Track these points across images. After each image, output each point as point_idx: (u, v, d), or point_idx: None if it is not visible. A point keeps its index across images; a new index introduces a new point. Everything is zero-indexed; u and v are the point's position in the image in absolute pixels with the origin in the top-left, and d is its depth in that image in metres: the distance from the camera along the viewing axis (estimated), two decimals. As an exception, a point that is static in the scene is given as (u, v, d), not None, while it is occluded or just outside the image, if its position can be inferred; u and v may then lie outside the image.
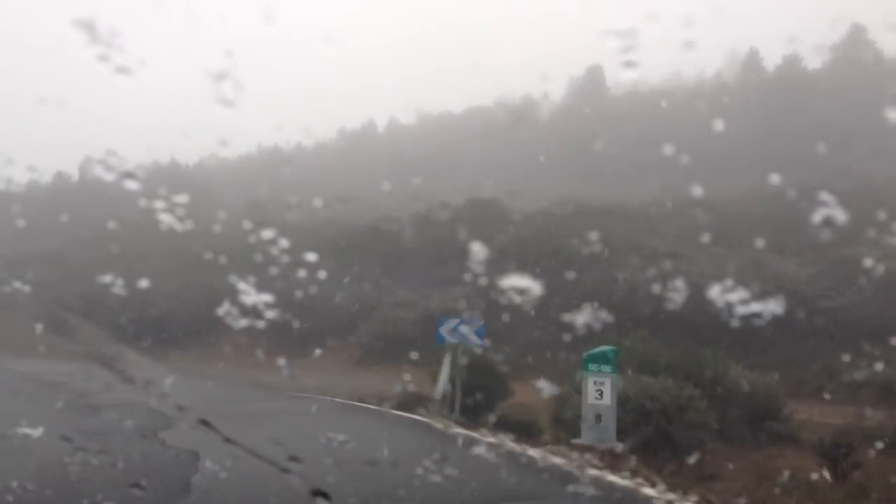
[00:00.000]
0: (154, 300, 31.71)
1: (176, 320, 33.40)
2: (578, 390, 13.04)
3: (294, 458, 5.77)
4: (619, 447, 9.01)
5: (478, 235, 30.80)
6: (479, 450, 9.21)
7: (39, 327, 33.37)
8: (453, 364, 13.33)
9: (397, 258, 30.91)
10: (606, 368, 9.51)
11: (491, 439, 10.22)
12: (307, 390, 19.43)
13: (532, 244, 27.49)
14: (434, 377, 15.84)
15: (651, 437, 10.88)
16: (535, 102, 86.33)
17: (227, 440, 6.34)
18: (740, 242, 23.53)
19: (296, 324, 29.43)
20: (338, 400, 16.81)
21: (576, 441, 9.54)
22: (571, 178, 51.31)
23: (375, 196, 40.19)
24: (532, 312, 19.78)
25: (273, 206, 54.86)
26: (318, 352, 27.94)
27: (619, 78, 77.61)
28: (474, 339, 12.86)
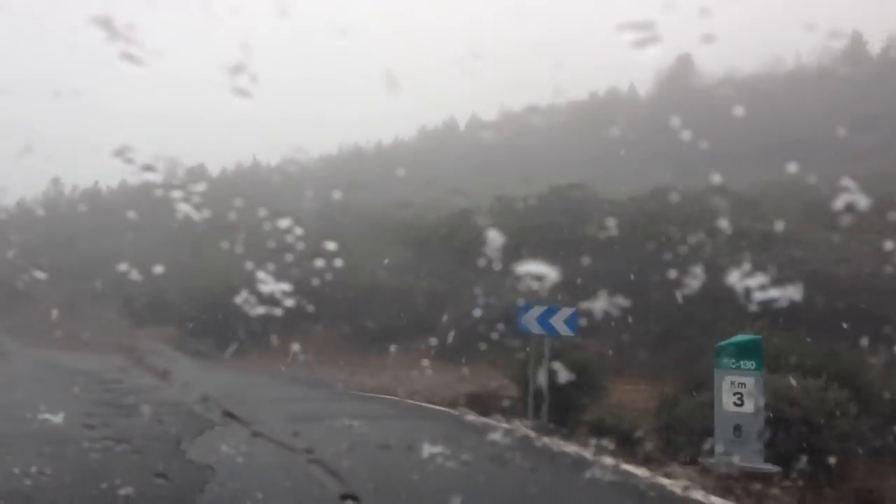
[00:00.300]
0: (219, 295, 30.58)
1: (244, 319, 32.30)
2: (690, 390, 10.81)
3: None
4: (772, 470, 6.75)
5: (562, 225, 28.50)
6: (592, 473, 7.07)
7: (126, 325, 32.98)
8: (539, 359, 11.23)
9: (475, 251, 28.81)
10: (749, 365, 7.29)
11: (607, 460, 7.99)
12: (375, 390, 17.64)
13: (625, 232, 25.02)
14: (515, 375, 13.75)
15: (790, 451, 8.50)
16: (622, 94, 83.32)
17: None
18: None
19: (370, 322, 27.92)
20: (408, 401, 14.91)
21: (708, 461, 7.29)
22: (661, 169, 48.41)
23: (452, 194, 38.50)
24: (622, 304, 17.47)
25: (349, 204, 54.33)
26: (392, 348, 26.20)
27: (708, 66, 73.89)
28: (564, 329, 10.72)
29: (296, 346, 28.71)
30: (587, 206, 30.67)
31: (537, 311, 10.84)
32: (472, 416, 11.97)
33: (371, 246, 33.92)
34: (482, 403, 13.98)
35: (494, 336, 21.82)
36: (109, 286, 39.63)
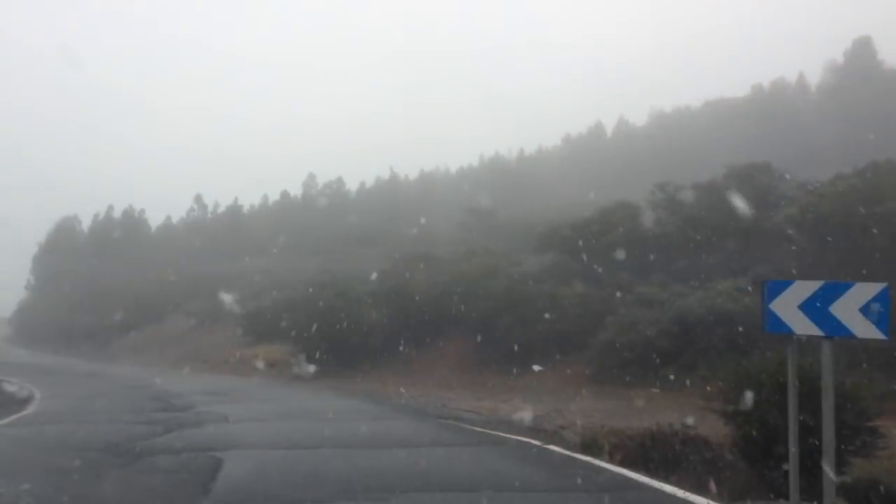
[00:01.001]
0: (342, 308, 26.68)
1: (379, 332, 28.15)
2: None
3: None
4: None
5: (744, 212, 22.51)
6: None
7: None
8: (792, 383, 5.97)
9: (638, 250, 23.47)
10: None
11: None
12: (511, 425, 12.69)
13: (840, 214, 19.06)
14: (732, 409, 8.39)
15: None
16: (788, 86, 74.72)
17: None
18: None
19: (510, 333, 23.07)
20: (552, 448, 9.86)
21: None
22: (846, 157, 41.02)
23: (601, 197, 33.23)
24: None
25: (490, 213, 50.02)
26: (536, 368, 21.20)
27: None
28: (864, 325, 5.42)
29: (420, 362, 24.37)
30: (772, 189, 24.63)
31: (803, 289, 5.62)
32: (668, 487, 6.85)
33: (512, 254, 29.31)
34: (672, 454, 8.79)
35: (675, 353, 16.50)
36: (239, 301, 37.03)
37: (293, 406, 15.41)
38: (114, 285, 48.09)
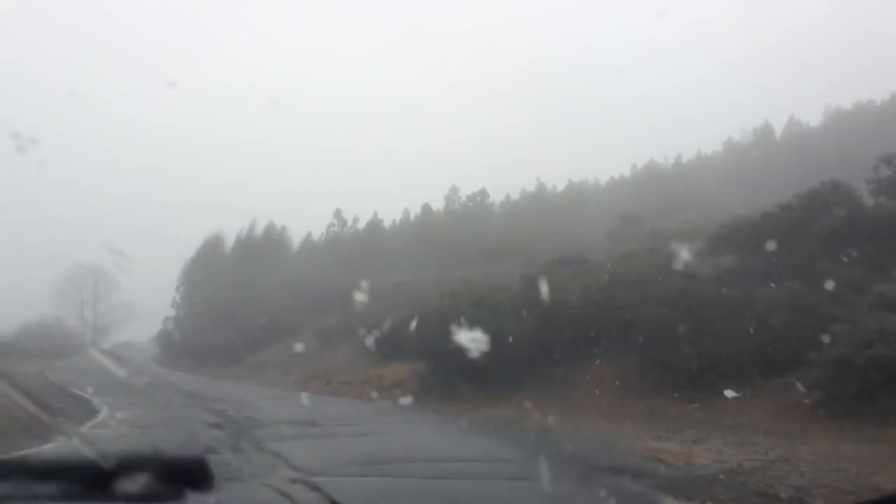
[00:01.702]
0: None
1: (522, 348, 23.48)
2: None
3: None
4: None
5: None
6: None
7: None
8: None
9: (860, 240, 17.71)
10: None
11: None
12: (728, 488, 7.73)
13: None
14: None
15: None
16: None
17: None
18: None
19: (686, 348, 17.76)
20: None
21: None
22: None
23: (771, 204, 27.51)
24: None
25: (645, 219, 44.68)
26: (729, 394, 15.90)
27: None
28: None
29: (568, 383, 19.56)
30: None
31: None
32: None
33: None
34: None
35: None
36: (371, 317, 33.57)
37: (397, 446, 11.11)
38: (249, 302, 46.05)
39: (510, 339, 21.54)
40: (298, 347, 38.67)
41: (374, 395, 23.60)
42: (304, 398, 22.42)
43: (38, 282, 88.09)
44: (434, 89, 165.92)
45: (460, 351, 21.72)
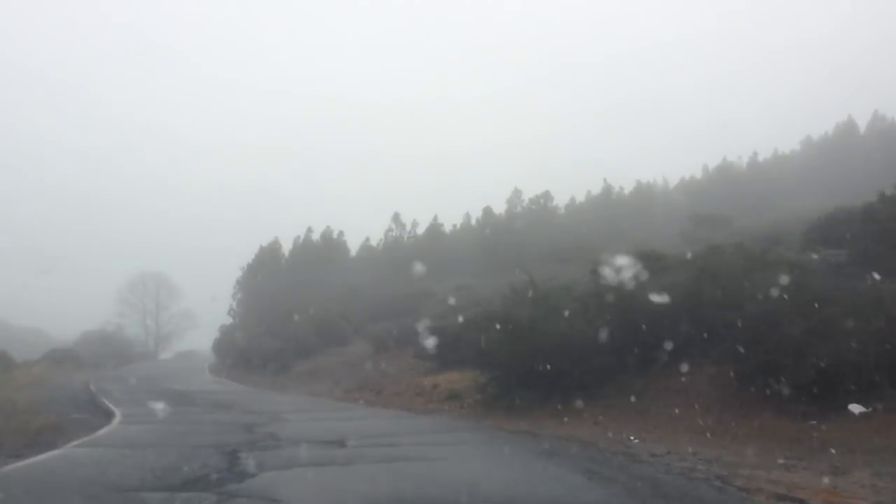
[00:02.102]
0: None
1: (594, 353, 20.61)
2: None
3: None
4: None
5: None
6: None
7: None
8: None
9: None
10: None
11: None
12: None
13: None
14: None
15: None
16: None
17: None
18: None
19: (800, 352, 14.76)
20: None
21: None
22: None
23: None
24: None
25: (721, 218, 41.35)
26: (856, 409, 12.87)
27: None
28: None
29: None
30: None
31: None
32: None
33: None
34: None
35: None
36: (426, 323, 31.14)
37: (442, 478, 8.42)
38: (302, 308, 44.11)
39: (579, 343, 18.75)
40: (350, 355, 36.44)
41: (426, 407, 21.09)
42: (348, 410, 20.04)
43: (104, 290, 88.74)
44: (495, 92, 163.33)
45: (523, 358, 19.09)
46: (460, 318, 27.05)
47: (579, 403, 17.95)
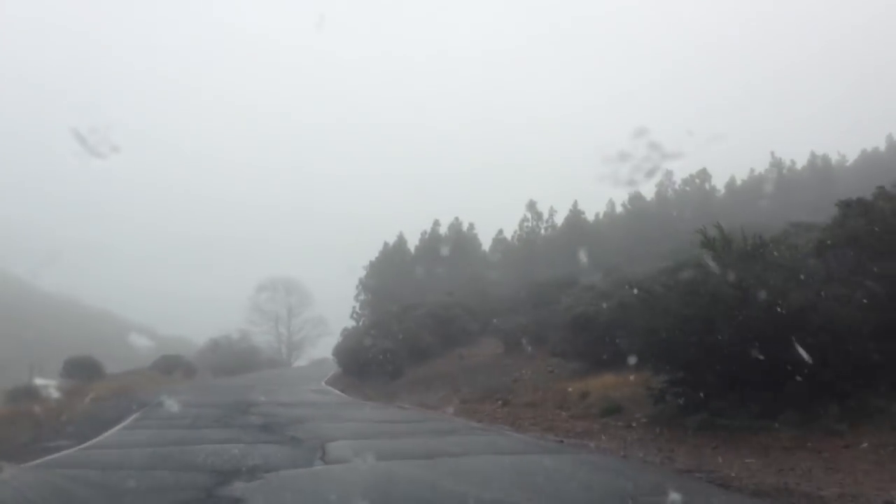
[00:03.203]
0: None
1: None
2: None
3: None
4: None
5: None
6: None
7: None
8: None
9: None
10: None
11: None
12: None
13: None
14: None
15: None
16: None
17: None
18: None
19: None
20: None
21: None
22: None
23: None
24: None
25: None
26: None
27: None
28: None
29: None
30: None
31: None
32: None
33: None
34: None
35: None
36: (571, 317, 24.23)
37: None
38: (421, 305, 37.99)
39: (825, 326, 11.20)
40: (475, 357, 29.83)
41: (574, 426, 14.07)
42: (459, 435, 13.37)
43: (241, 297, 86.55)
44: (639, 77, 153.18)
45: (729, 346, 11.80)
46: (613, 311, 19.85)
47: (833, 422, 10.49)
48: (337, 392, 30.23)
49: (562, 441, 12.37)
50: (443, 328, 33.01)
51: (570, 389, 17.96)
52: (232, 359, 62.72)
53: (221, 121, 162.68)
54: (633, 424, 13.24)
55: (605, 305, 21.35)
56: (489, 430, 14.18)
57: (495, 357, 28.55)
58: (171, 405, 20.68)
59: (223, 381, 40.66)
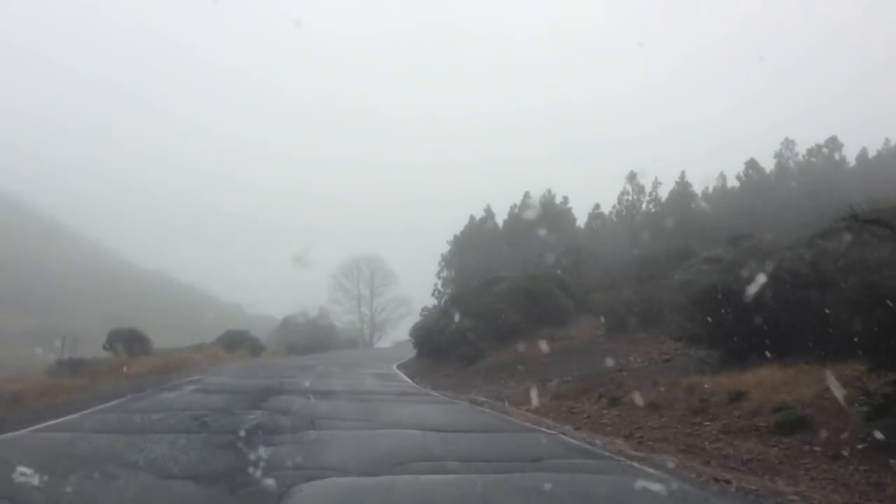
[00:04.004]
0: None
1: None
2: None
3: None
4: None
5: None
6: None
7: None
8: None
9: None
10: None
11: None
12: None
13: None
14: None
15: None
16: None
17: None
18: None
19: None
20: None
21: None
22: None
23: None
24: None
25: None
26: None
27: None
28: None
29: None
30: None
31: None
32: None
33: None
34: None
35: None
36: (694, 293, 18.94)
37: None
38: (503, 279, 32.96)
39: None
40: (569, 339, 24.66)
41: (728, 448, 8.81)
42: (549, 464, 8.21)
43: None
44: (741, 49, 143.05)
45: None
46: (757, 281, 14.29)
47: None
48: (402, 378, 25.47)
49: (729, 482, 7.13)
50: (531, 304, 27.78)
51: (707, 386, 12.62)
52: (308, 337, 59.03)
53: (316, 105, 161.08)
54: (845, 453, 7.87)
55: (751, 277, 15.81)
56: (601, 454, 8.98)
57: (593, 340, 23.30)
58: (181, 388, 16.38)
59: (284, 360, 36.63)
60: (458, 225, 58.43)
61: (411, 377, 25.67)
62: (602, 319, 23.86)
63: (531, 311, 27.51)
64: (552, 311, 27.37)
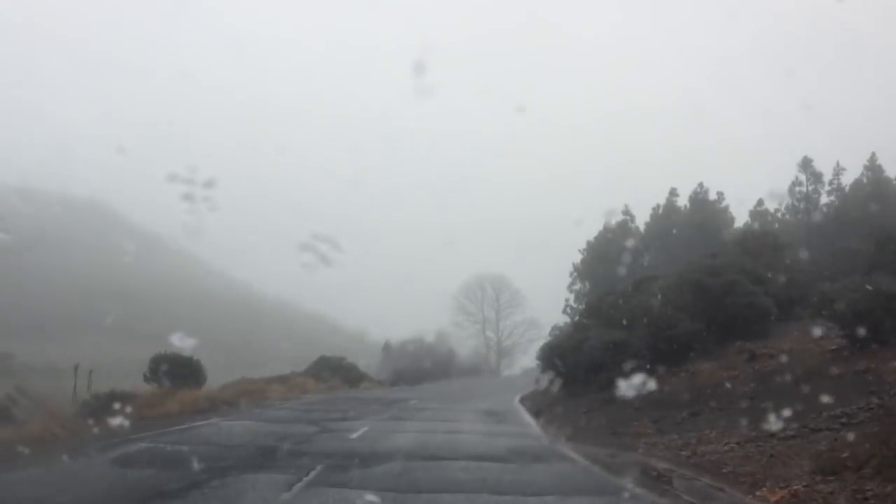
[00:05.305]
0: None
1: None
2: None
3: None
4: None
5: None
6: None
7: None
8: None
9: None
10: None
11: None
12: None
13: None
14: None
15: None
16: None
17: None
18: None
19: None
20: None
21: None
22: None
23: None
24: None
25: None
26: None
27: None
28: None
29: None
30: None
31: None
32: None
33: None
34: None
35: None
36: None
37: None
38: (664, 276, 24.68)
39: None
40: (777, 354, 15.99)
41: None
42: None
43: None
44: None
45: None
46: None
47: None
48: (523, 417, 17.60)
49: None
50: (708, 307, 18.88)
51: None
52: (422, 364, 51.95)
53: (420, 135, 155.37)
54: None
55: None
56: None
57: (823, 357, 14.66)
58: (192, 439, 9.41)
59: (377, 392, 29.57)
60: (581, 240, 50.14)
61: (535, 414, 17.76)
62: (832, 328, 15.13)
63: (710, 315, 18.80)
64: (744, 314, 18.48)
